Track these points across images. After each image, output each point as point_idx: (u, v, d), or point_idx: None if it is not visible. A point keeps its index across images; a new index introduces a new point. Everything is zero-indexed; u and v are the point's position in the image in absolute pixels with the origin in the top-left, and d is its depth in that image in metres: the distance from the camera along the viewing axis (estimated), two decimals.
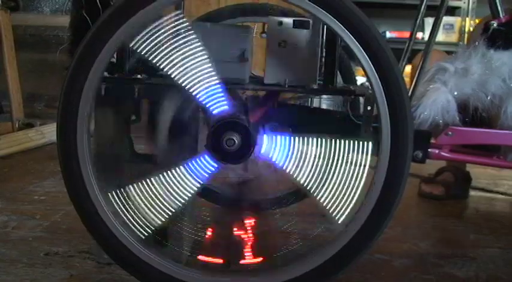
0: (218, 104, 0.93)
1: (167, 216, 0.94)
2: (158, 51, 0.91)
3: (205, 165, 0.95)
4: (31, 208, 1.56)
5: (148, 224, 0.93)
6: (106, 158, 1.10)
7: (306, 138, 0.94)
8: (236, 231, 1.10)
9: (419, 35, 3.36)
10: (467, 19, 3.76)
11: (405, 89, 0.89)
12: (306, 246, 1.34)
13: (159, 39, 0.90)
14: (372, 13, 3.24)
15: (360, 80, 1.75)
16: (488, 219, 1.67)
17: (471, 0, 3.72)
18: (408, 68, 1.67)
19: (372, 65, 0.88)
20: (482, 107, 1.11)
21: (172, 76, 0.92)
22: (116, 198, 0.93)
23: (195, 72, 0.92)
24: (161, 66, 0.91)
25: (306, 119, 1.09)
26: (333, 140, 0.93)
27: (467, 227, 1.59)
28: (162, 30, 0.90)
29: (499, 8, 1.30)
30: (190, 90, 0.92)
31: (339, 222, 0.91)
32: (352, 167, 0.91)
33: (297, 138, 0.94)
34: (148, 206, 0.93)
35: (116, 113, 1.12)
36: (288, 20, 1.03)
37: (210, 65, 0.92)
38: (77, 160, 0.91)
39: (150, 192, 0.94)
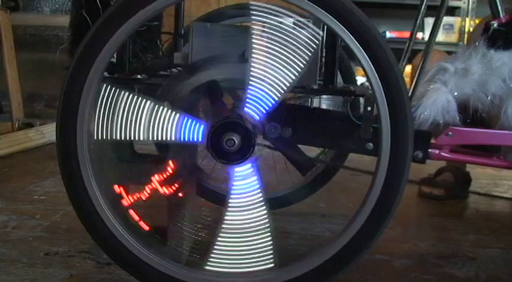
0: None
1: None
2: None
3: None
4: (31, 208, 1.56)
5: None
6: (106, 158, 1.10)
7: None
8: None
9: (419, 35, 3.36)
10: (467, 19, 3.76)
11: (405, 89, 0.89)
12: (306, 246, 1.35)
13: None
14: (372, 13, 3.24)
15: (360, 80, 1.76)
16: (488, 219, 1.67)
17: (471, 0, 3.72)
18: (408, 68, 1.67)
19: (372, 65, 0.87)
20: (483, 107, 1.11)
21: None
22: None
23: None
24: None
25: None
26: None
27: (467, 227, 1.59)
28: None
29: (499, 8, 1.30)
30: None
31: None
32: None
33: None
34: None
35: None
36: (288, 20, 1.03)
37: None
38: (77, 160, 0.91)
39: None
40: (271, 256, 0.92)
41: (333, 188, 1.68)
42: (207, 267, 0.93)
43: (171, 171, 1.05)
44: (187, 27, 1.21)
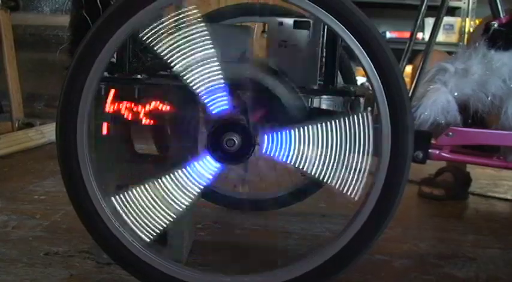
0: (219, 104, 0.93)
1: (171, 219, 0.93)
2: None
3: (207, 166, 0.95)
4: (31, 208, 1.56)
5: (152, 227, 0.92)
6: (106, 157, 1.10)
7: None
8: None
9: (419, 35, 3.36)
10: (467, 19, 3.76)
11: (405, 90, 0.89)
12: (306, 246, 1.35)
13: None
14: (372, 13, 3.23)
15: (360, 80, 1.76)
16: (488, 219, 1.67)
17: (471, 0, 3.72)
18: (409, 69, 1.67)
19: (372, 65, 0.87)
20: (483, 107, 1.11)
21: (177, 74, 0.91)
22: (119, 201, 0.92)
23: (199, 70, 0.91)
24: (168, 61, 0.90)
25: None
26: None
27: (467, 227, 1.59)
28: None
29: (500, 8, 1.30)
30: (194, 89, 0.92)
31: (356, 199, 0.91)
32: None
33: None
34: (152, 208, 0.93)
35: None
36: (289, 20, 1.03)
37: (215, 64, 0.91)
38: (77, 160, 0.91)
39: (153, 195, 0.93)
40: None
41: (333, 188, 1.67)
42: None
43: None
44: None
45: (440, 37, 3.67)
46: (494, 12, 1.30)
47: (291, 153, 0.93)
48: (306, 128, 0.92)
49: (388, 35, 3.80)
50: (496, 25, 1.25)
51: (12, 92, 2.57)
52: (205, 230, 1.43)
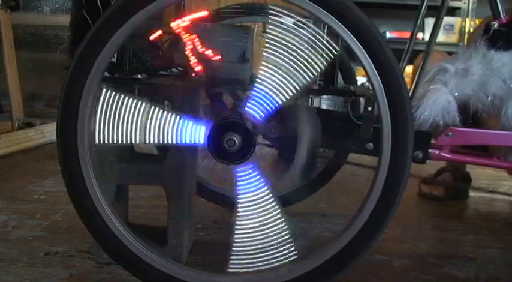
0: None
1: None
2: None
3: None
4: (31, 207, 1.56)
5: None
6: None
7: None
8: None
9: (419, 35, 3.36)
10: (467, 19, 3.76)
11: (406, 89, 0.89)
12: (306, 246, 1.34)
13: None
14: (372, 13, 3.24)
15: (360, 80, 1.76)
16: (488, 219, 1.67)
17: (471, 0, 3.72)
18: (409, 69, 1.67)
19: (372, 65, 0.87)
20: (483, 107, 1.11)
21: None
22: None
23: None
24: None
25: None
26: None
27: (467, 227, 1.59)
28: None
29: (500, 8, 1.29)
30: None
31: None
32: None
33: None
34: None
35: None
36: (289, 20, 1.03)
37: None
38: (77, 159, 0.91)
39: None
40: (292, 248, 0.91)
41: (333, 188, 1.68)
42: (231, 270, 0.92)
43: None
44: None
45: (441, 37, 3.67)
46: (494, 12, 1.30)
47: None
48: None
49: (388, 35, 3.80)
50: (496, 25, 1.25)
51: (12, 91, 2.57)
52: (205, 230, 1.43)
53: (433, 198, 1.84)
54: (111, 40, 0.89)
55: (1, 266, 1.14)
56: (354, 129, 1.05)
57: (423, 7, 1.38)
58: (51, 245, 1.27)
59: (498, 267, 1.27)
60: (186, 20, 0.98)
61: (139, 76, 1.04)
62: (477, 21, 3.39)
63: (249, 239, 0.91)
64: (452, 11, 3.85)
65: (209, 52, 0.97)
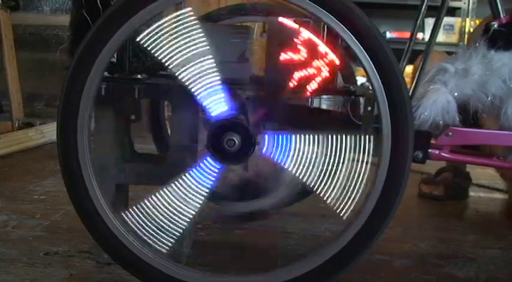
0: (219, 104, 0.93)
1: (185, 224, 0.93)
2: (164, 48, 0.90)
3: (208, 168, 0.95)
4: (31, 207, 1.56)
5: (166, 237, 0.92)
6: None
7: (307, 136, 0.93)
8: None
9: (419, 35, 3.36)
10: (467, 20, 3.76)
11: (406, 89, 0.89)
12: (306, 246, 1.35)
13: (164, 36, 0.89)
14: (372, 13, 3.24)
15: (360, 80, 1.75)
16: (489, 219, 1.68)
17: (471, 0, 3.72)
18: (409, 69, 1.67)
19: (372, 65, 0.88)
20: (483, 108, 1.11)
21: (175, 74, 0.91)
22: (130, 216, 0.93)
23: (197, 71, 0.91)
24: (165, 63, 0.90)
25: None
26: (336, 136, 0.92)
27: (468, 227, 1.59)
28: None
29: (500, 8, 1.29)
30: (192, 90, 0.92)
31: (344, 218, 0.91)
32: (355, 164, 0.91)
33: (298, 137, 0.93)
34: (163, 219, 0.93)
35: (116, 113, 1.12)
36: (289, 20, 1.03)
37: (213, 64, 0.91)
38: (77, 160, 0.91)
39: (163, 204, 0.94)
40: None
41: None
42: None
43: None
44: None
45: (441, 37, 3.67)
46: (494, 12, 1.30)
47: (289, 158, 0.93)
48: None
49: (388, 35, 3.80)
50: (496, 25, 1.25)
51: (12, 91, 2.57)
52: (205, 230, 1.43)
53: (433, 198, 1.84)
54: (111, 40, 0.89)
55: (1, 266, 1.14)
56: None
57: (423, 7, 1.38)
58: (51, 245, 1.27)
59: (498, 268, 1.27)
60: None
61: (139, 76, 1.04)
62: (477, 21, 3.39)
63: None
64: (452, 11, 3.85)
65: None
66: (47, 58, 3.18)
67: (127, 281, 1.06)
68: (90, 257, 1.20)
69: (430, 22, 3.13)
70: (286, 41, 1.00)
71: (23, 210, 1.54)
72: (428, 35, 1.32)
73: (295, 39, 0.98)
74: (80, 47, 0.89)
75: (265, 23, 1.17)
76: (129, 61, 1.07)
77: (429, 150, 1.07)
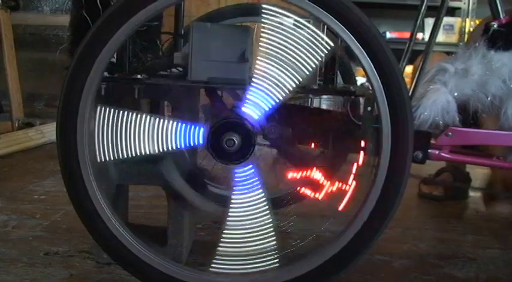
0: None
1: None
2: None
3: None
4: (31, 207, 1.56)
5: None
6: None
7: None
8: None
9: (419, 35, 3.36)
10: (467, 20, 3.76)
11: (406, 89, 0.89)
12: (306, 246, 1.34)
13: None
14: (372, 13, 3.24)
15: (360, 80, 1.75)
16: (488, 219, 1.67)
17: (471, 0, 3.72)
18: (409, 69, 1.67)
19: (372, 65, 0.87)
20: (483, 108, 1.11)
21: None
22: None
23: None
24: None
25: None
26: None
27: (467, 227, 1.59)
28: None
29: (500, 8, 1.29)
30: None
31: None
32: None
33: None
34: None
35: None
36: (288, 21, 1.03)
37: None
38: (77, 160, 0.91)
39: None
40: (276, 256, 0.91)
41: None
42: (212, 269, 0.92)
43: None
44: (187, 27, 1.21)
45: (440, 37, 3.68)
46: (494, 12, 1.30)
47: None
48: None
49: (388, 35, 3.80)
50: (495, 26, 1.25)
51: (12, 91, 2.57)
52: (205, 230, 1.43)
53: (433, 198, 1.84)
54: (111, 40, 0.89)
55: (1, 266, 1.14)
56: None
57: (423, 7, 1.38)
58: (51, 245, 1.27)
59: (498, 268, 1.27)
60: None
61: (139, 76, 1.04)
62: (477, 22, 3.39)
63: (236, 241, 0.92)
64: (452, 11, 3.85)
65: None
66: (47, 58, 3.18)
67: (127, 281, 1.06)
68: (90, 257, 1.20)
69: (430, 22, 3.12)
70: None
71: (23, 210, 1.54)
72: (428, 35, 1.32)
73: None
74: (79, 47, 0.89)
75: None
76: (129, 61, 1.07)
77: (429, 151, 1.07)
